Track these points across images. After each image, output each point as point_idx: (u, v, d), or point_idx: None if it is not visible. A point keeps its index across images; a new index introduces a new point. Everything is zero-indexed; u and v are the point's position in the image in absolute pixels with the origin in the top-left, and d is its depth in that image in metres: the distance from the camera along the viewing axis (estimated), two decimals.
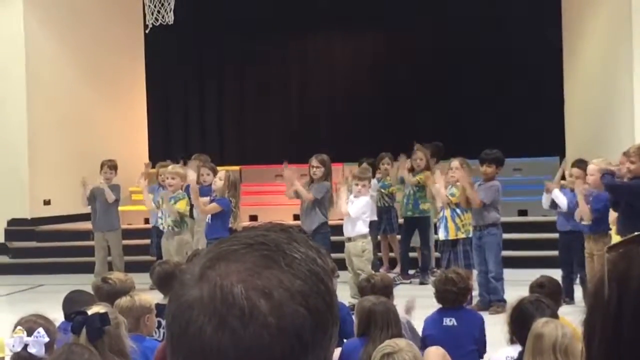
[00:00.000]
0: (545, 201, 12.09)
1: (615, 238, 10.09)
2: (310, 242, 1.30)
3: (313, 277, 1.24)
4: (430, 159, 13.95)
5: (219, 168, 13.39)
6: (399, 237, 14.53)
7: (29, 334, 5.05)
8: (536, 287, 7.08)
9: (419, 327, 7.22)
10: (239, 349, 1.17)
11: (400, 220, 14.36)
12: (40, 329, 5.06)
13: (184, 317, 1.21)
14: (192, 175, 12.32)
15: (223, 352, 1.18)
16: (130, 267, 13.03)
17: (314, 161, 12.62)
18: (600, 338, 1.27)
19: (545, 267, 10.51)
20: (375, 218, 13.74)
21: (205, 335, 1.19)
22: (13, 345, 5.11)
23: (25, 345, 5.02)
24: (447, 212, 11.84)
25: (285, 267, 1.23)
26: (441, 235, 11.99)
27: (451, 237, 11.82)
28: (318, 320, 1.22)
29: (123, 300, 6.13)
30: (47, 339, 5.02)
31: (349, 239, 11.84)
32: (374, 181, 13.89)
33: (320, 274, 1.26)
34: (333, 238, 12.37)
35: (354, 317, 6.44)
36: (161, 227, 12.84)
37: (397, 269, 14.46)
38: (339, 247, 12.11)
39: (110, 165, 14.21)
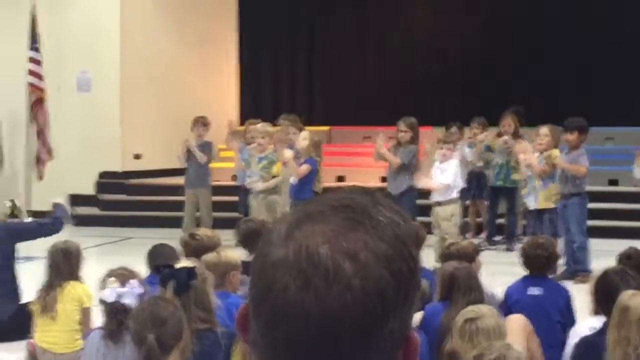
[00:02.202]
0: (637, 170, 11.91)
1: None
2: (395, 206, 1.30)
3: (398, 241, 1.24)
4: (518, 125, 13.85)
5: (307, 128, 13.41)
6: (487, 203, 14.47)
7: (123, 285, 5.14)
8: (624, 258, 6.95)
9: (501, 295, 7.17)
10: (322, 309, 1.18)
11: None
12: (134, 281, 5.15)
13: (269, 275, 1.22)
14: (287, 154, 12.24)
15: (306, 312, 1.19)
16: (217, 224, 13.14)
17: (401, 125, 12.62)
18: None
19: (635, 238, 10.35)
20: (463, 184, 13.65)
21: (289, 294, 1.20)
22: (108, 297, 5.21)
23: (118, 297, 5.13)
24: (538, 182, 11.76)
25: (370, 230, 1.23)
26: (530, 204, 11.92)
27: (540, 206, 11.76)
28: (401, 284, 1.22)
29: (209, 256, 6.19)
30: (141, 290, 5.11)
31: (439, 203, 11.82)
32: (465, 146, 13.87)
33: (404, 238, 1.26)
34: (419, 202, 12.37)
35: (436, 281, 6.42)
36: (249, 186, 12.87)
37: (483, 235, 14.41)
38: (425, 211, 12.12)
39: (203, 122, 14.25)
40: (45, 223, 9.30)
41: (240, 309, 1.32)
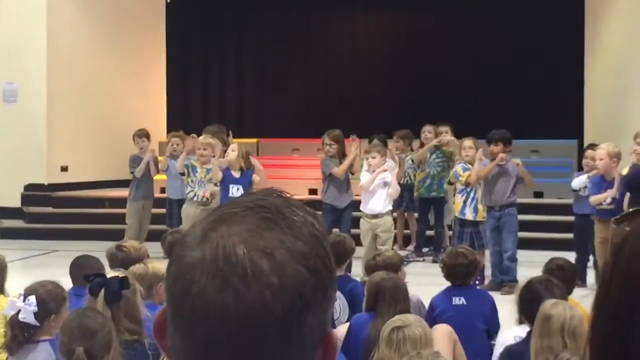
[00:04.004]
0: (576, 181, 11.94)
1: None
2: (307, 207, 1.32)
3: (313, 239, 1.26)
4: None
5: (235, 140, 13.38)
6: (416, 215, 14.55)
7: (25, 299, 5.08)
8: (555, 269, 7.01)
9: (427, 305, 7.24)
10: (241, 308, 1.19)
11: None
12: (32, 297, 5.07)
13: (186, 278, 1.23)
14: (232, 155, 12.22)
15: (226, 311, 1.19)
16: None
17: (326, 139, 12.62)
18: (595, 308, 1.30)
19: (559, 250, 10.50)
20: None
21: (207, 295, 1.20)
22: (7, 309, 5.16)
23: (16, 310, 5.06)
24: (479, 194, 11.91)
25: (286, 229, 1.25)
26: (469, 215, 12.01)
27: (479, 218, 11.90)
28: (318, 281, 1.24)
29: (136, 268, 6.16)
30: (34, 308, 5.03)
31: (376, 215, 11.83)
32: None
33: (319, 237, 1.28)
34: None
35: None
36: (192, 196, 12.75)
37: (411, 247, 14.50)
38: (354, 222, 12.23)
39: (141, 134, 14.28)
40: None
41: (157, 314, 1.32)
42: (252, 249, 1.22)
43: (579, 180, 11.87)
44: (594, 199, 10.98)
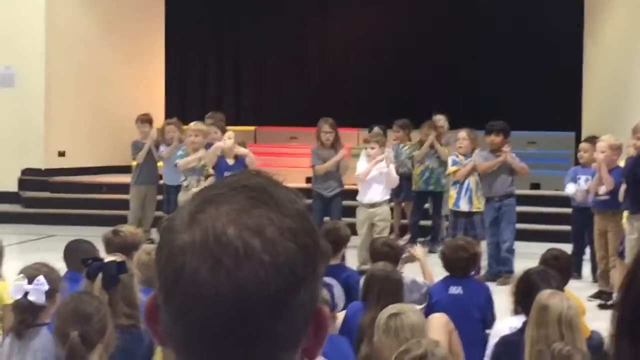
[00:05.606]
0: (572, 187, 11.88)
1: (626, 214, 10.07)
2: (289, 187, 1.33)
3: (300, 215, 1.28)
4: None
5: (234, 128, 13.32)
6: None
7: (30, 281, 5.04)
8: (550, 259, 7.00)
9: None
10: (235, 288, 1.20)
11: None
12: (41, 277, 5.03)
13: (177, 261, 1.23)
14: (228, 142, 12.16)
15: (219, 292, 1.20)
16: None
17: (326, 126, 12.59)
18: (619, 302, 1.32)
19: (556, 242, 10.48)
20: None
21: (200, 277, 1.21)
22: (14, 293, 5.11)
23: (26, 293, 5.02)
24: (473, 185, 11.88)
25: (273, 207, 1.26)
26: (464, 207, 11.98)
27: (474, 209, 11.87)
28: (308, 256, 1.25)
29: (143, 257, 6.18)
30: (46, 287, 5.00)
31: (373, 205, 11.85)
32: (391, 148, 13.94)
33: (305, 213, 1.29)
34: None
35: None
36: (187, 185, 12.55)
37: (407, 236, 14.49)
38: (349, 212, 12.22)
39: (144, 120, 14.30)
40: None
41: (148, 300, 1.31)
42: (242, 229, 1.23)
43: (570, 189, 11.74)
44: (591, 186, 10.96)
